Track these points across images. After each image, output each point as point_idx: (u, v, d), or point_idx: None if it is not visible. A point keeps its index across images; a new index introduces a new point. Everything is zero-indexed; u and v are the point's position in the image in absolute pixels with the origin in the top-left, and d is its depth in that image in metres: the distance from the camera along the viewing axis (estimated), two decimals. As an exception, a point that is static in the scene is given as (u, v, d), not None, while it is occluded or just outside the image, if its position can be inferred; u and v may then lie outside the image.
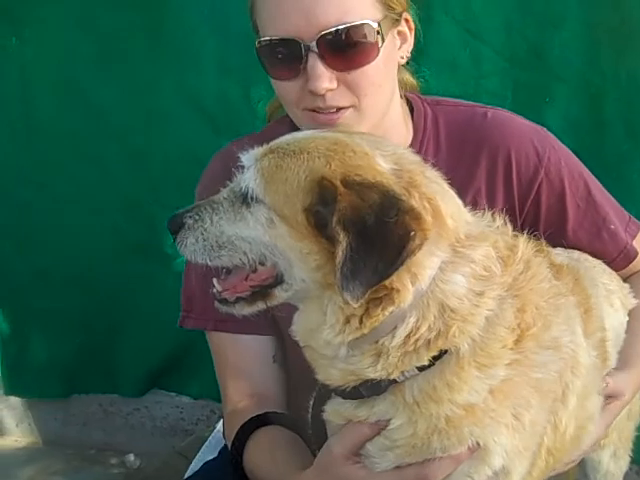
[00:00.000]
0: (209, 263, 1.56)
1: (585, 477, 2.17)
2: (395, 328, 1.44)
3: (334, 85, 1.73)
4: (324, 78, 1.71)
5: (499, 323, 1.47)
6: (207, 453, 2.32)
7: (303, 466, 1.68)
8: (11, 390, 3.91)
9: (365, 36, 1.73)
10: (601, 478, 2.13)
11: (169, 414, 3.77)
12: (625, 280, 2.08)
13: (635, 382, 1.89)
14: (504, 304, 1.49)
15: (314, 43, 1.69)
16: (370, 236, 1.37)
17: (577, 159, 2.07)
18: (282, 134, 1.77)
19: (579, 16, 2.92)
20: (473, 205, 1.70)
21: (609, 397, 1.80)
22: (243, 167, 1.56)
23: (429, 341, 1.44)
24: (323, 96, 1.73)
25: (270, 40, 1.74)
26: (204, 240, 1.54)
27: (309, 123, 1.78)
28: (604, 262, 2.03)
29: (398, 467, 1.52)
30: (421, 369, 1.46)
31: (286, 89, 1.79)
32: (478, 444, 1.47)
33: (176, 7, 3.22)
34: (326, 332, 1.46)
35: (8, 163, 3.54)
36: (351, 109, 1.78)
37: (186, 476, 2.23)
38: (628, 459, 2.22)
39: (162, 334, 3.49)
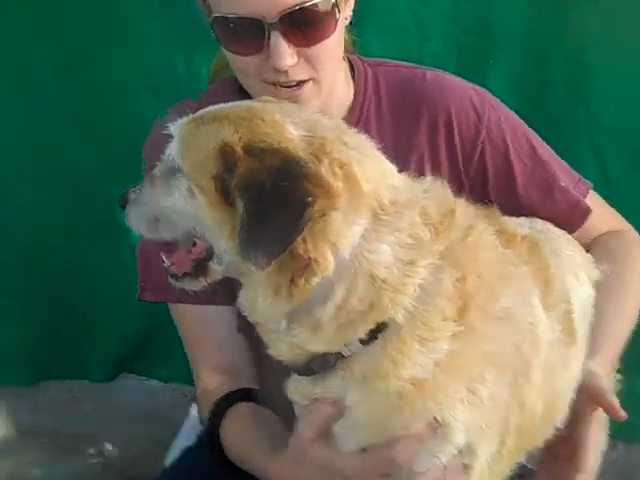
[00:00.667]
0: (151, 237, 1.59)
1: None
2: (327, 299, 1.44)
3: (295, 60, 1.75)
4: (287, 55, 1.72)
5: (436, 293, 1.45)
6: (183, 438, 2.36)
7: (279, 444, 1.69)
8: (-21, 378, 3.87)
9: (325, 11, 1.74)
10: None
11: (140, 399, 3.77)
12: (586, 250, 2.05)
13: (609, 363, 1.89)
14: (440, 273, 1.46)
15: (276, 21, 1.70)
16: (266, 202, 1.36)
17: (518, 118, 2.07)
18: (224, 95, 1.81)
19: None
20: (417, 168, 1.71)
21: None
22: (172, 137, 1.58)
23: (363, 313, 1.44)
24: (285, 72, 1.75)
25: (230, 17, 1.73)
26: (144, 214, 1.58)
27: (269, 96, 1.77)
28: (557, 223, 2.01)
29: (365, 449, 1.53)
30: (364, 343, 1.46)
31: (245, 63, 1.80)
32: (436, 420, 1.47)
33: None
34: (260, 304, 1.48)
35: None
36: (311, 82, 1.81)
37: (168, 463, 2.25)
38: None
39: (128, 316, 3.49)
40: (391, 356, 1.45)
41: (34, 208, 3.48)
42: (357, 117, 1.99)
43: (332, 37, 1.79)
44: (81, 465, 3.38)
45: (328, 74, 1.84)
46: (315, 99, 1.84)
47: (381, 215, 1.45)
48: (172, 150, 1.54)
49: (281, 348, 1.54)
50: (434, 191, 1.58)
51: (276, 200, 1.35)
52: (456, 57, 3.07)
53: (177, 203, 1.51)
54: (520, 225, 1.87)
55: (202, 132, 1.49)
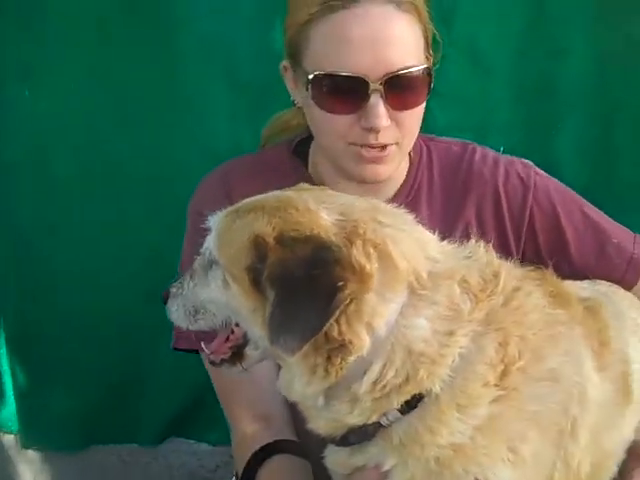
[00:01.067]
0: (190, 328, 1.64)
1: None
2: (364, 374, 1.44)
3: (389, 123, 1.79)
4: (383, 116, 1.78)
5: (477, 360, 1.45)
6: (226, 499, 2.29)
7: None
8: (28, 443, 3.85)
9: (423, 79, 1.83)
10: None
11: (187, 462, 3.71)
12: None
13: None
14: (482, 340, 1.46)
15: (379, 82, 1.76)
16: (297, 290, 1.38)
17: (566, 187, 2.11)
18: (278, 159, 2.00)
19: (587, 44, 2.93)
20: (463, 237, 1.70)
21: None
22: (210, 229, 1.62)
23: (399, 386, 1.43)
24: (376, 133, 1.79)
25: (334, 75, 1.78)
26: (183, 306, 1.64)
27: (353, 158, 1.85)
28: (614, 279, 2.00)
29: None
30: (402, 412, 1.45)
31: (337, 122, 1.83)
32: None
33: (188, 57, 3.22)
34: (297, 384, 1.48)
35: (27, 215, 3.52)
36: (394, 145, 1.85)
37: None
38: None
39: (180, 382, 3.45)
40: (429, 425, 1.44)
41: (100, 281, 3.51)
42: (409, 188, 2.04)
43: (422, 105, 1.86)
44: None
45: (410, 140, 1.90)
46: (395, 163, 1.89)
47: (418, 290, 1.46)
48: (210, 243, 1.59)
49: (319, 422, 1.54)
50: (476, 256, 1.59)
51: (306, 288, 1.37)
52: (522, 126, 3.06)
53: (213, 294, 1.57)
54: (582, 288, 1.86)
55: (237, 225, 1.52)
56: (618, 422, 1.68)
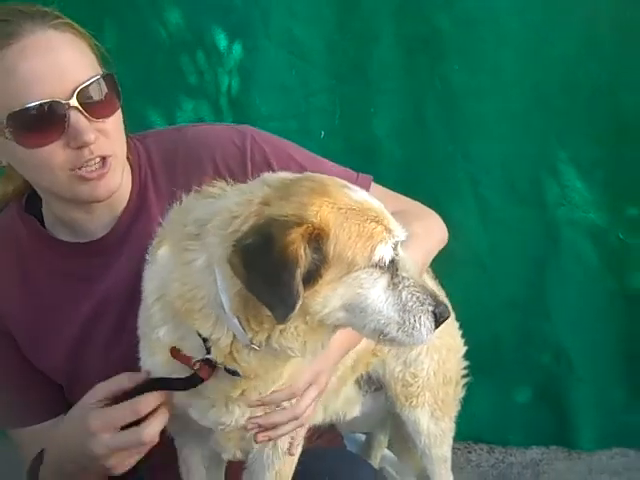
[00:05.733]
0: None
1: (412, 443, 2.39)
2: None
3: (95, 135, 1.80)
4: (88, 130, 1.78)
5: None
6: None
7: None
8: None
9: (111, 86, 1.86)
10: (425, 440, 2.36)
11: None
12: None
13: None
14: None
15: (72, 99, 1.76)
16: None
17: (282, 140, 2.18)
18: (10, 222, 2.04)
19: (393, 30, 3.13)
20: None
21: None
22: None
23: None
24: (89, 148, 1.79)
25: (29, 107, 1.74)
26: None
27: (80, 182, 1.83)
28: None
29: None
30: None
31: (49, 155, 1.80)
32: None
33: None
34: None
35: None
36: (112, 158, 1.86)
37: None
38: (451, 424, 2.42)
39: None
40: None
41: None
42: (137, 193, 2.05)
43: (119, 111, 1.89)
44: None
45: (122, 146, 1.93)
46: (118, 172, 1.89)
47: None
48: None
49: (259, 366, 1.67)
50: None
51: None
52: (340, 109, 3.23)
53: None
54: None
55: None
56: None
